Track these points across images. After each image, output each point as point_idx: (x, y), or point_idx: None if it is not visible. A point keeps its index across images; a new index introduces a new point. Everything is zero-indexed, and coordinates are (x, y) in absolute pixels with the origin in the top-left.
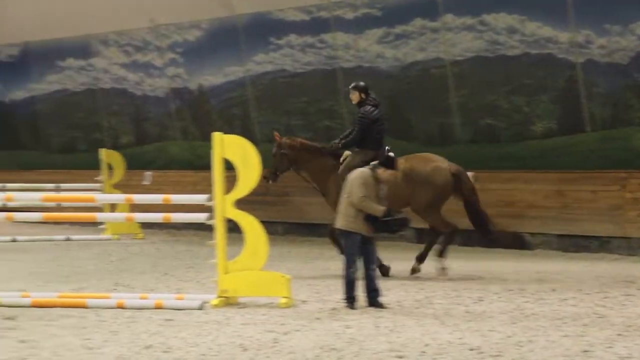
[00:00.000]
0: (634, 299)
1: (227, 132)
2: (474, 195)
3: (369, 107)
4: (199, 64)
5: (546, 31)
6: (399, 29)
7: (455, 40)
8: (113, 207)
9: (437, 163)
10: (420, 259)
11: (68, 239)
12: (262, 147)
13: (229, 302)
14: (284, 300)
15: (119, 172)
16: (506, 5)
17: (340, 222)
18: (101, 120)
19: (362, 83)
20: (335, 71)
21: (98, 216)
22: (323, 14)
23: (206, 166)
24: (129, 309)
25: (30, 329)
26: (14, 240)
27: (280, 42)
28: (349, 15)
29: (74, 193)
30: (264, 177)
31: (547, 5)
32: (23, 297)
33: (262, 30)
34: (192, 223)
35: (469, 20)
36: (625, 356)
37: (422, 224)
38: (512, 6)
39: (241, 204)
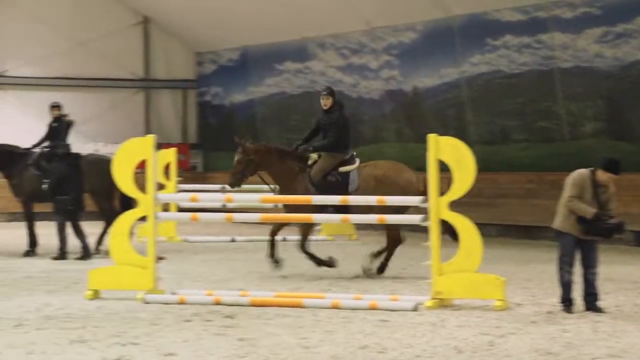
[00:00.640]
0: None
1: (441, 133)
2: None
3: (339, 112)
4: (413, 65)
5: None
6: (619, 28)
7: None
8: None
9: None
10: None
11: (284, 240)
12: (477, 149)
13: (443, 304)
14: (498, 303)
15: None
16: None
17: (555, 222)
18: None
19: (333, 88)
20: (552, 71)
21: (315, 217)
22: (540, 14)
23: (420, 168)
24: (343, 309)
25: (248, 327)
26: (233, 241)
27: (497, 42)
28: (568, 14)
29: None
30: (230, 184)
31: None
32: (242, 296)
33: (478, 31)
34: (407, 224)
35: None
36: None
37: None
38: None
39: (455, 205)
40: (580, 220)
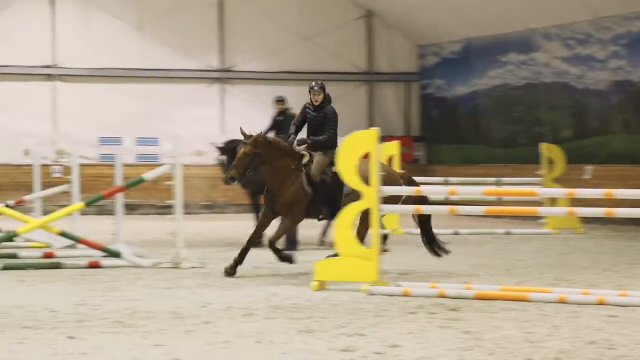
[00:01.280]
0: None
1: None
2: None
3: (332, 107)
4: None
5: None
6: None
7: None
8: (553, 202)
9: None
10: None
11: (508, 233)
12: None
13: None
14: None
15: (560, 166)
16: None
17: None
18: (542, 114)
19: (323, 82)
20: None
21: (539, 210)
22: None
23: None
24: (570, 303)
25: (473, 320)
26: (455, 233)
27: None
28: None
29: (514, 187)
30: (230, 178)
31: None
32: (466, 289)
33: None
34: (634, 219)
35: None
36: None
37: None
38: None
39: None
40: None
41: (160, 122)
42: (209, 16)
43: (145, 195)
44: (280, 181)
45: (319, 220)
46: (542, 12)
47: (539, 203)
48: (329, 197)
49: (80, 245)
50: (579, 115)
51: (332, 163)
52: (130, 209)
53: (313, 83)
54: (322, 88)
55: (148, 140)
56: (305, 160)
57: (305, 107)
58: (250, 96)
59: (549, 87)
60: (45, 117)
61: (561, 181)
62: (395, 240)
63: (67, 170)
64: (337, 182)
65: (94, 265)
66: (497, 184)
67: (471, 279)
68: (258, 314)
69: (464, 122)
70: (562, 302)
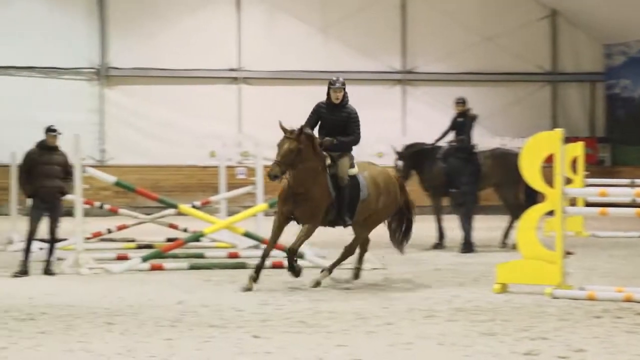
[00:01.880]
0: None
1: None
2: None
3: (352, 107)
4: None
5: None
6: None
7: None
8: None
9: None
10: None
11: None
12: None
13: None
14: None
15: None
16: None
17: None
18: None
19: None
20: None
21: None
22: None
23: None
24: None
25: None
26: None
27: None
28: None
29: None
30: (274, 176)
31: None
32: None
33: None
34: None
35: None
36: None
37: None
38: None
39: None
40: None
41: None
42: (391, 18)
43: None
44: (311, 183)
45: (345, 227)
46: None
47: None
48: (349, 202)
49: (263, 246)
50: None
51: (351, 165)
52: None
53: (334, 79)
54: (344, 85)
55: None
56: (328, 162)
57: (319, 106)
58: (431, 98)
59: None
60: (230, 119)
61: None
62: (580, 243)
63: (251, 171)
64: (355, 186)
65: (277, 266)
66: None
67: None
68: (440, 316)
69: None
70: None
